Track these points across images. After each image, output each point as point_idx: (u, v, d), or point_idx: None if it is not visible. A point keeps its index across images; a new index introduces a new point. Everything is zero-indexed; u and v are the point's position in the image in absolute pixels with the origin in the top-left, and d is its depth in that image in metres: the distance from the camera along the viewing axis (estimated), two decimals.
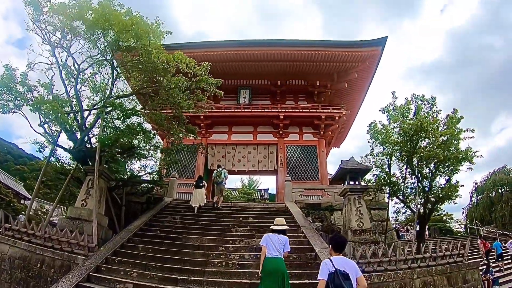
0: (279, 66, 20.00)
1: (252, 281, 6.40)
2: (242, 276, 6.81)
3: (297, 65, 19.91)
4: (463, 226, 37.88)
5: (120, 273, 6.89)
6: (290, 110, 19.89)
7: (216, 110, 20.28)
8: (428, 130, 10.35)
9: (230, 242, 8.91)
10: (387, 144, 11.41)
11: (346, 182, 10.59)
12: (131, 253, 7.98)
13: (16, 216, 16.09)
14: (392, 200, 12.08)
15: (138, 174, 13.39)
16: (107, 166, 9.31)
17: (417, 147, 10.72)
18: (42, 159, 12.53)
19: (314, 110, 19.82)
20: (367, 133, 12.38)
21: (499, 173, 30.57)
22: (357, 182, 10.55)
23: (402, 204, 11.93)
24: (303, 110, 20.00)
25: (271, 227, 5.91)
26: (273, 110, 19.88)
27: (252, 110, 20.00)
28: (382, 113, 11.83)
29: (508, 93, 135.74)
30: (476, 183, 33.29)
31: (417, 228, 11.62)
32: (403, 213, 12.63)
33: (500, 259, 14.56)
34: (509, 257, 14.96)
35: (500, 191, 29.73)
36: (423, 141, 10.89)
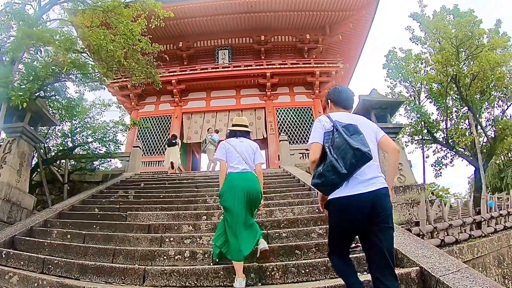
0: (262, 19, 16.95)
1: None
2: (222, 279, 3.39)
3: (283, 15, 16.94)
4: (462, 199, 36.13)
5: None
6: (279, 67, 16.78)
7: (191, 72, 17.09)
8: (481, 35, 7.50)
9: (204, 217, 5.74)
10: (413, 76, 8.61)
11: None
12: (36, 242, 4.81)
13: None
14: (426, 150, 9.31)
15: (86, 141, 10.27)
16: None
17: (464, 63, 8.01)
18: None
19: (307, 65, 16.74)
20: (383, 68, 9.54)
21: None
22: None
23: (443, 153, 9.18)
24: (294, 66, 16.87)
25: (228, 128, 3.78)
26: (258, 67, 16.67)
27: (233, 69, 16.76)
28: (413, 19, 9.05)
29: None
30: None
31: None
32: (447, 164, 9.81)
33: None
34: None
35: (508, 155, 27.30)
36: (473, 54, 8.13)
